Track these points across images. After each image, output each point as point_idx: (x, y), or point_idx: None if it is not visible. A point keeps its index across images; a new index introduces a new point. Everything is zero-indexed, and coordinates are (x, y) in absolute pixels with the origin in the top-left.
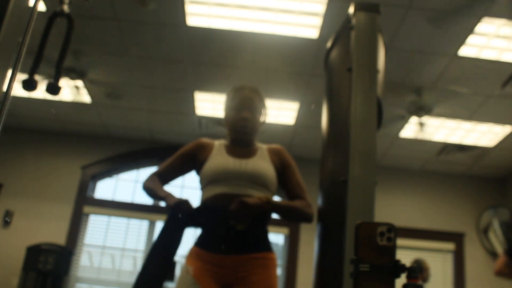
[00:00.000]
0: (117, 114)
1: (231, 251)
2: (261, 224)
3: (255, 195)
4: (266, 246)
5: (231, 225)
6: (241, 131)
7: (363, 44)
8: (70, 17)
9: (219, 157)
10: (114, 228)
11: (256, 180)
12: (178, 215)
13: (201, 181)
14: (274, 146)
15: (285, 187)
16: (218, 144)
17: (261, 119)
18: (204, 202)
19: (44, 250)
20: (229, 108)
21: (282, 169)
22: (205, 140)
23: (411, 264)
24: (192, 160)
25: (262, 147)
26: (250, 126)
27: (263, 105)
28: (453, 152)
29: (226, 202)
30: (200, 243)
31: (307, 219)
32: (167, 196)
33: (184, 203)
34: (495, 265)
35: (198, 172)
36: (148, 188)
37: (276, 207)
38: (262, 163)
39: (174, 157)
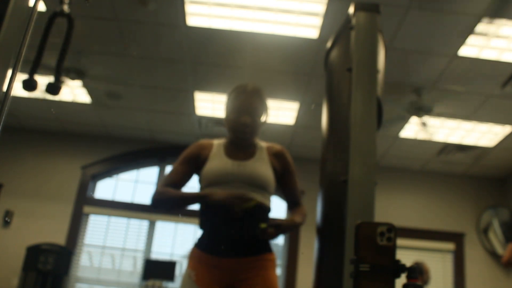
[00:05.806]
0: (117, 114)
1: (232, 254)
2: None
3: (255, 197)
4: (266, 247)
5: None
6: (241, 136)
7: (363, 44)
8: (70, 17)
9: (218, 159)
10: (114, 228)
11: (254, 182)
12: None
13: (200, 182)
14: (276, 147)
15: (282, 190)
16: (217, 144)
17: (262, 120)
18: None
19: (44, 250)
20: (229, 109)
21: (283, 172)
22: (204, 141)
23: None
24: (196, 162)
25: (262, 147)
26: (250, 132)
27: (264, 107)
28: (453, 152)
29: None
30: (201, 245)
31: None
32: (203, 194)
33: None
34: (504, 255)
35: (198, 173)
36: (164, 198)
37: (292, 227)
38: (260, 165)
39: (178, 163)
